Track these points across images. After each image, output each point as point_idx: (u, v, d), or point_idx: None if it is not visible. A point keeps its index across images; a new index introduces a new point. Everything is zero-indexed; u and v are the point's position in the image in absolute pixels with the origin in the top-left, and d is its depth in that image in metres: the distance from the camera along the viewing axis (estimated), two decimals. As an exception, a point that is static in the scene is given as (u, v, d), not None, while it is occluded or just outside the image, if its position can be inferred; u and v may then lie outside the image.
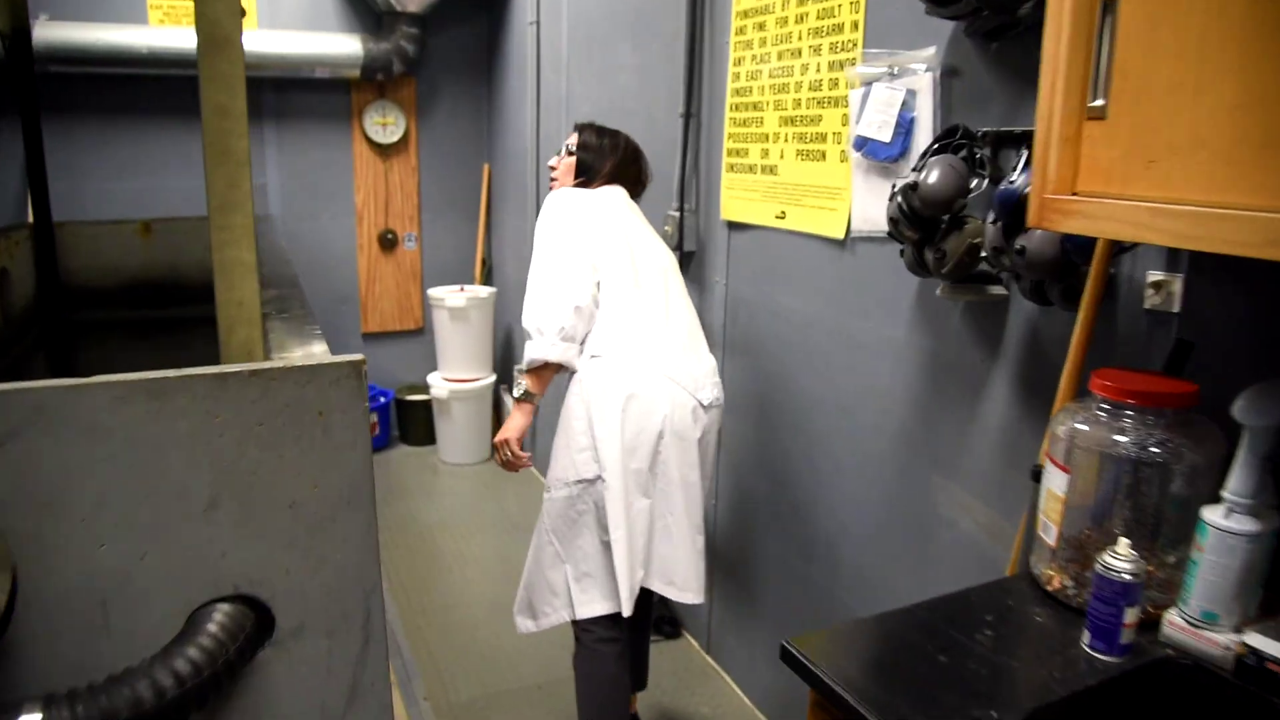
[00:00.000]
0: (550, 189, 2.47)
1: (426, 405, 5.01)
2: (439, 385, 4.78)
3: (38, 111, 3.40)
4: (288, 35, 4.56)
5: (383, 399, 5.07)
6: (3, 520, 1.02)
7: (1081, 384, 1.41)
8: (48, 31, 4.04)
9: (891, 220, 1.73)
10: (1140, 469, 1.21)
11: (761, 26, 2.45)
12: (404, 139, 5.00)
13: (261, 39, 4.47)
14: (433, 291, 4.79)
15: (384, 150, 4.99)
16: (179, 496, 1.08)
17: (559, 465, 2.20)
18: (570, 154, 2.45)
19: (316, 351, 1.43)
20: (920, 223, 1.67)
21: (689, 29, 2.75)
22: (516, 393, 2.22)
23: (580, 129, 2.49)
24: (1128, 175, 1.02)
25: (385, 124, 4.94)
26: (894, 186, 1.74)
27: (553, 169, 2.51)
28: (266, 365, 1.05)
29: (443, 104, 5.08)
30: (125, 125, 4.51)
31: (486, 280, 5.20)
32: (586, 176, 2.44)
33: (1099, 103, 1.04)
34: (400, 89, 4.95)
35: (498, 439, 2.24)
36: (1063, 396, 1.46)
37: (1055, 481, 1.31)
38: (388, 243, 5.09)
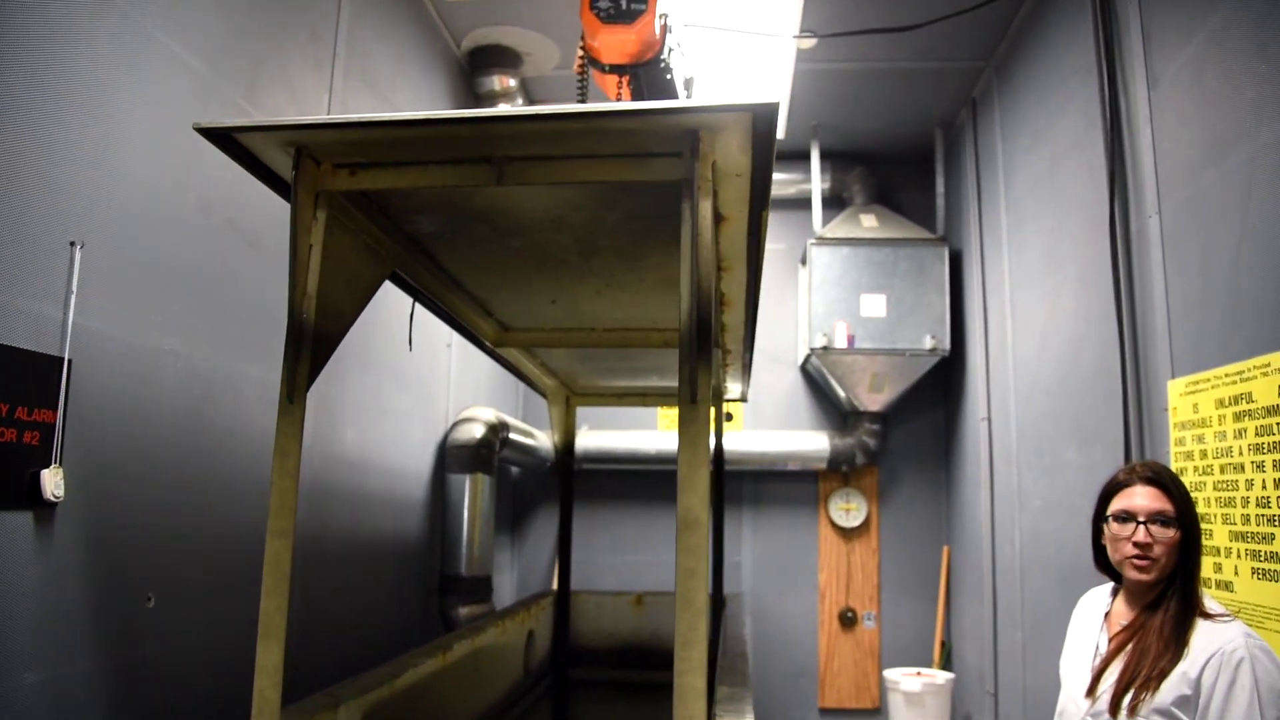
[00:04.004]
0: (1138, 577, 1.84)
1: (882, 795, 4.86)
2: (894, 774, 4.66)
3: (571, 503, 4.40)
4: (767, 434, 5.35)
5: (838, 781, 5.03)
6: None
7: None
8: (585, 439, 5.23)
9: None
10: None
11: (1200, 439, 2.47)
12: (865, 523, 5.37)
13: (746, 439, 5.29)
14: (889, 674, 4.83)
15: (846, 533, 5.39)
16: None
17: None
18: (1168, 523, 1.81)
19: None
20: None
21: (1125, 439, 2.83)
22: None
23: (1158, 480, 1.86)
24: None
25: (848, 509, 5.38)
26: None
27: (1142, 551, 1.82)
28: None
29: (902, 490, 5.42)
30: (628, 509, 5.52)
31: (945, 663, 5.11)
32: (1187, 563, 1.82)
33: None
34: (862, 477, 5.42)
35: None
36: None
37: None
38: (847, 621, 5.32)
